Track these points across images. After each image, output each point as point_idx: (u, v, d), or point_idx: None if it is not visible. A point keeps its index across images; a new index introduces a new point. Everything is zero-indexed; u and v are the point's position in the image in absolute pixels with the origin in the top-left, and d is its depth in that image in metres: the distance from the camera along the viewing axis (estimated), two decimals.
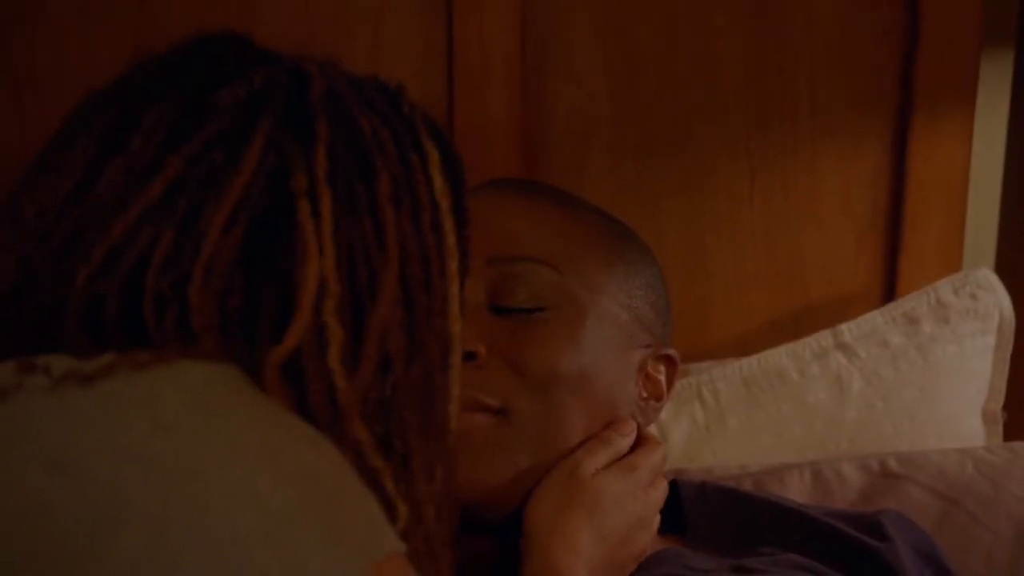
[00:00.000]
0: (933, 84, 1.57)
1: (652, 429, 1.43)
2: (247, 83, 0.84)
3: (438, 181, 0.87)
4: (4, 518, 0.66)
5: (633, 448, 1.16)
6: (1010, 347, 1.52)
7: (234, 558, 0.65)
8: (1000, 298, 1.50)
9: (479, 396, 1.10)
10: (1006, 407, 1.54)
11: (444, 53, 1.52)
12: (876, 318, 1.50)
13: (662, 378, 1.21)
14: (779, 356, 1.50)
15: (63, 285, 0.79)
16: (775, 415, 1.48)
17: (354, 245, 0.80)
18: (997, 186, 1.67)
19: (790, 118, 1.58)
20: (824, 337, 1.50)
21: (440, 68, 1.52)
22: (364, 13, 1.50)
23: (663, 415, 1.45)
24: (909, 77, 1.57)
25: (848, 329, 1.50)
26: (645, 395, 1.19)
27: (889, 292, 1.61)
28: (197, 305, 0.77)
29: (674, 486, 1.25)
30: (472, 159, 1.49)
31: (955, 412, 1.50)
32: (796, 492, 1.38)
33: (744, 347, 1.57)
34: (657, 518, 1.16)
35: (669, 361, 1.21)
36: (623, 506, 1.11)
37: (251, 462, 0.69)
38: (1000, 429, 1.53)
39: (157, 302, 0.77)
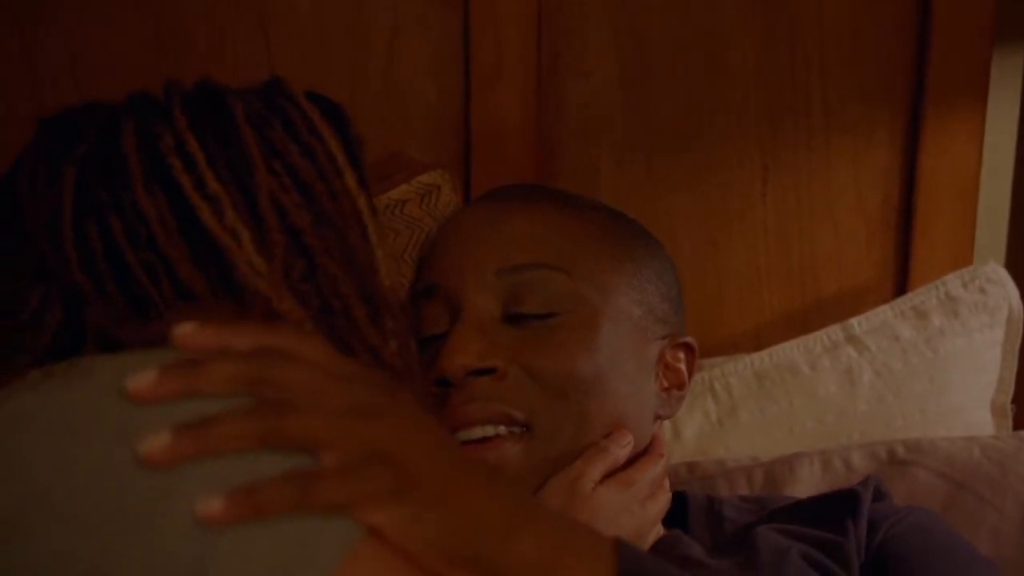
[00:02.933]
0: (945, 80, 1.58)
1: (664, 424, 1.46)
2: (109, 107, 0.95)
3: (304, 103, 0.96)
4: (79, 489, 0.72)
5: (635, 458, 1.16)
6: (1019, 340, 1.52)
7: None
8: (1009, 291, 1.51)
9: (505, 408, 1.10)
10: (1015, 400, 1.54)
11: (460, 51, 1.53)
12: (886, 312, 1.51)
13: (682, 366, 1.21)
14: (790, 350, 1.51)
15: (53, 283, 0.87)
16: (787, 409, 1.49)
17: (233, 166, 0.90)
18: (1008, 181, 1.68)
19: (802, 114, 1.59)
20: (834, 331, 1.51)
21: (456, 66, 1.53)
22: (380, 12, 1.52)
23: None
24: (921, 73, 1.58)
25: (858, 323, 1.50)
26: (667, 385, 1.20)
27: (900, 287, 1.61)
28: (185, 273, 0.86)
29: (683, 498, 1.25)
30: (486, 156, 1.54)
31: (964, 405, 1.51)
32: (806, 480, 1.39)
33: (757, 342, 1.58)
34: (658, 528, 1.17)
35: (687, 348, 1.21)
36: (620, 521, 1.11)
37: None
38: (1009, 422, 1.53)
39: (148, 271, 0.86)
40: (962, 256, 1.60)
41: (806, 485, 1.39)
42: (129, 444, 0.72)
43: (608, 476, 1.12)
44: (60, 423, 0.74)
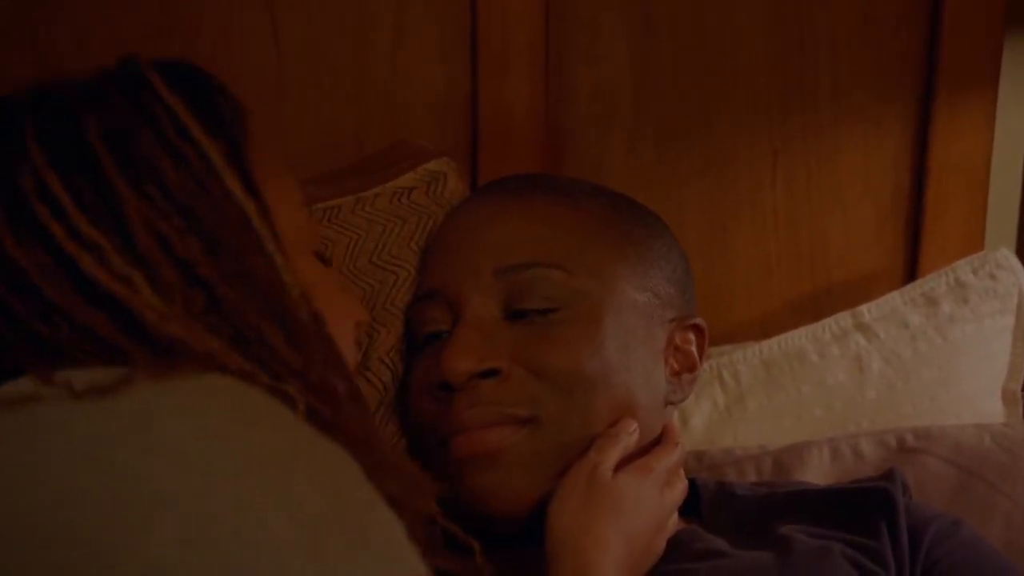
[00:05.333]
0: (955, 67, 1.57)
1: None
2: None
3: (168, 95, 0.90)
4: (36, 510, 0.66)
5: (649, 447, 1.16)
6: None
7: (269, 561, 0.66)
8: (1019, 278, 1.50)
9: (506, 409, 1.11)
10: None
11: (467, 38, 1.52)
12: (895, 299, 1.50)
13: (692, 348, 1.20)
14: (799, 338, 1.50)
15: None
16: (795, 397, 1.48)
17: (106, 201, 0.84)
18: (1019, 168, 1.67)
19: (812, 101, 1.58)
20: (843, 318, 1.50)
21: (463, 53, 1.53)
22: None
23: None
24: (932, 60, 1.57)
25: (867, 310, 1.50)
26: (677, 369, 1.19)
27: (911, 275, 1.61)
28: (83, 318, 0.81)
29: (693, 484, 1.25)
30: (494, 144, 1.54)
31: (974, 392, 1.50)
32: (815, 468, 1.39)
33: (766, 330, 1.57)
34: (674, 518, 1.17)
35: (697, 330, 1.21)
36: (643, 509, 1.11)
37: (286, 469, 0.71)
38: (1020, 409, 1.52)
39: (43, 318, 0.81)
40: (973, 242, 1.59)
41: (815, 473, 1.38)
42: (91, 469, 0.68)
43: (623, 464, 1.12)
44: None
